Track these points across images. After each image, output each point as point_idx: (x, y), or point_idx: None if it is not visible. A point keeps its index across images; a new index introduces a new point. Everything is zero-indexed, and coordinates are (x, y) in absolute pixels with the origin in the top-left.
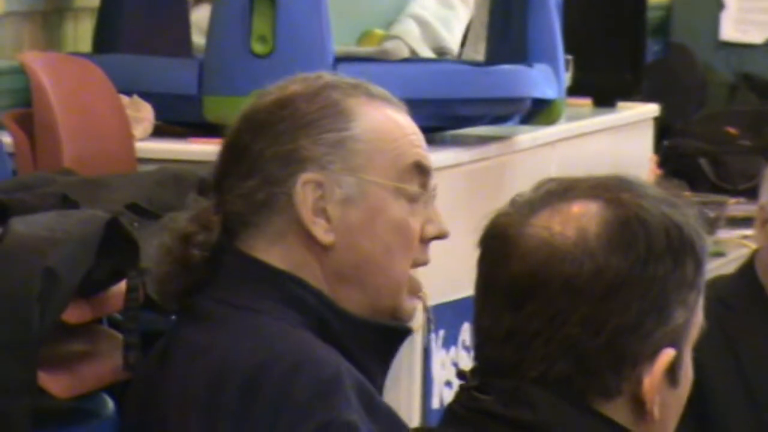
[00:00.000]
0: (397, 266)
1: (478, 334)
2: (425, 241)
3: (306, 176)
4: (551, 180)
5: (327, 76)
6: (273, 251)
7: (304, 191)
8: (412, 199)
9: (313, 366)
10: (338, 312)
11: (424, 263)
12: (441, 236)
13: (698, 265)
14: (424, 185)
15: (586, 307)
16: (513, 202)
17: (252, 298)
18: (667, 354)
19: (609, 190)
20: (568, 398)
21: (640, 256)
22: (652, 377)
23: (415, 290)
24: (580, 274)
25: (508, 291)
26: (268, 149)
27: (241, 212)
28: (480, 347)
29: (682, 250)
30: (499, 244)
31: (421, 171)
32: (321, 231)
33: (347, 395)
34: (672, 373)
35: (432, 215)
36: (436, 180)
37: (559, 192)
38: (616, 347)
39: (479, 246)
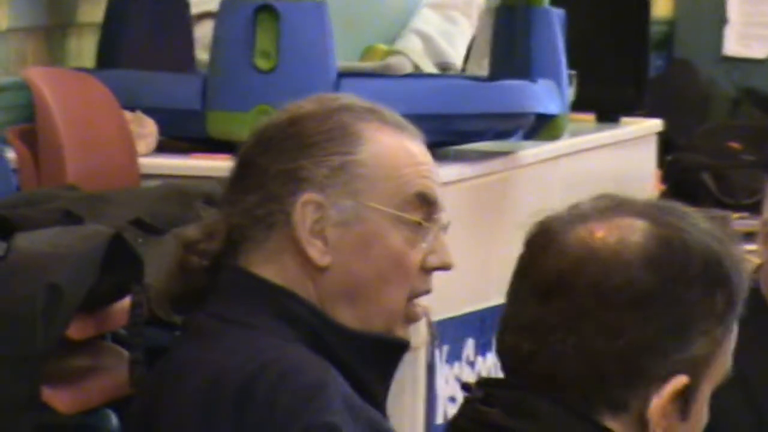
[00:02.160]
0: (391, 294)
1: (502, 321)
2: (427, 270)
3: (306, 197)
4: (608, 196)
5: (344, 98)
6: (269, 267)
7: (303, 211)
8: (412, 229)
9: (299, 373)
10: (333, 326)
11: (425, 293)
12: (444, 268)
13: (731, 302)
14: (428, 216)
15: (608, 313)
16: (569, 208)
17: (246, 313)
18: (680, 380)
19: (661, 212)
20: (575, 410)
21: (672, 275)
22: (661, 399)
23: (413, 319)
24: (609, 280)
25: (538, 282)
26: (272, 166)
27: (242, 226)
28: (501, 334)
29: (716, 282)
30: (541, 238)
31: (426, 201)
32: (317, 252)
33: (331, 399)
34: (684, 404)
35: (437, 246)
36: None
37: (614, 206)
38: (630, 359)
39: (524, 242)
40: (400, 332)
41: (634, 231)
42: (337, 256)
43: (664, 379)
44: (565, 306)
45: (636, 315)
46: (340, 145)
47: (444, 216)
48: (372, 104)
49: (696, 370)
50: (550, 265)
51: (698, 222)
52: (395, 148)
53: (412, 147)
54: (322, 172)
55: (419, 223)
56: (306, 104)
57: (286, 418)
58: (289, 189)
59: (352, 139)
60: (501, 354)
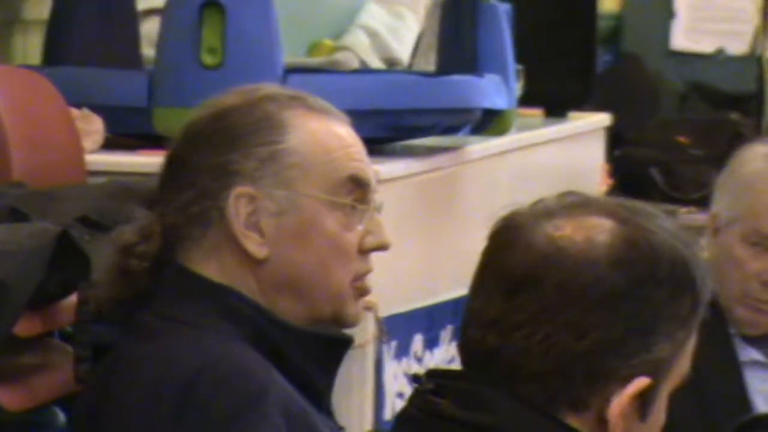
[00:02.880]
0: (333, 279)
1: (466, 314)
2: (364, 252)
3: (238, 190)
4: (574, 193)
5: (266, 88)
6: (208, 264)
7: (236, 205)
8: (347, 213)
9: (242, 377)
10: (277, 323)
11: (366, 273)
12: (381, 248)
13: (695, 306)
14: (362, 198)
15: (574, 312)
16: (532, 204)
17: (189, 311)
18: (642, 381)
19: (628, 212)
20: (534, 405)
21: (640, 276)
22: (621, 399)
23: (364, 293)
24: (577, 279)
25: (504, 278)
26: (201, 162)
27: (177, 225)
28: (465, 328)
29: (682, 285)
30: (506, 233)
31: (359, 184)
32: (254, 245)
33: (267, 411)
34: (643, 405)
35: (373, 227)
36: (385, 191)
37: (580, 203)
38: (595, 358)
39: (489, 236)
40: (352, 310)
41: (602, 230)
42: (275, 247)
43: (627, 379)
44: (532, 303)
45: (603, 315)
46: (268, 135)
47: (377, 196)
48: (295, 91)
49: (658, 371)
50: (517, 262)
51: (665, 224)
52: (323, 133)
53: (340, 130)
54: (252, 164)
55: (354, 206)
56: (229, 97)
57: (223, 422)
58: (221, 184)
59: (278, 128)
60: (464, 348)
